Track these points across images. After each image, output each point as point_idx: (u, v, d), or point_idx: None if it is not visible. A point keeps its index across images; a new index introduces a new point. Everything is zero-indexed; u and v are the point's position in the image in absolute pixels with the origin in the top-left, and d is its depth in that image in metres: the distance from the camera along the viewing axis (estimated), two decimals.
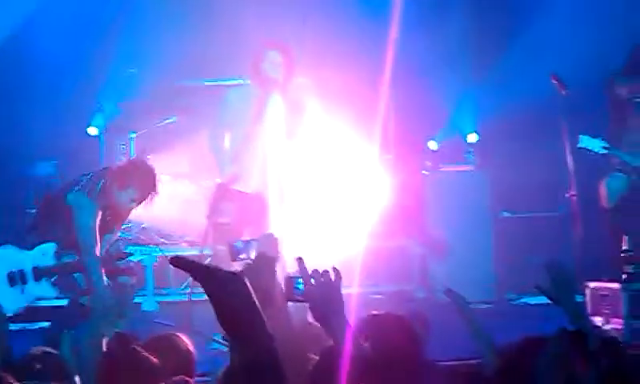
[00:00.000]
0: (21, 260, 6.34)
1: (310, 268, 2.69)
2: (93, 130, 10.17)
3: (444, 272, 8.41)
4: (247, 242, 3.71)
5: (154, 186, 6.09)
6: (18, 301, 6.24)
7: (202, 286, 2.01)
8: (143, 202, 6.32)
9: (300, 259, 2.72)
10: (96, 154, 10.27)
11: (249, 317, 2.00)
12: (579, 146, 7.27)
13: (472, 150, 9.38)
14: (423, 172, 9.18)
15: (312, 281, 2.67)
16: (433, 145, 9.56)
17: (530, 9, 9.29)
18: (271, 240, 3.61)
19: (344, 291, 2.70)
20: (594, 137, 7.29)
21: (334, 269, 2.70)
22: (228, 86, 7.25)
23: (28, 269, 6.29)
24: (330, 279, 2.67)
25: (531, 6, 9.32)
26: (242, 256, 3.70)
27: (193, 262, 2.03)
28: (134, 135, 10.16)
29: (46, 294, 6.40)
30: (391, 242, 8.76)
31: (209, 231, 6.51)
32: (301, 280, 2.70)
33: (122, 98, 10.23)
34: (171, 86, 10.16)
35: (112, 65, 10.08)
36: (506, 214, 9.19)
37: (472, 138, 9.48)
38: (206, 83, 9.69)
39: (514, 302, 8.56)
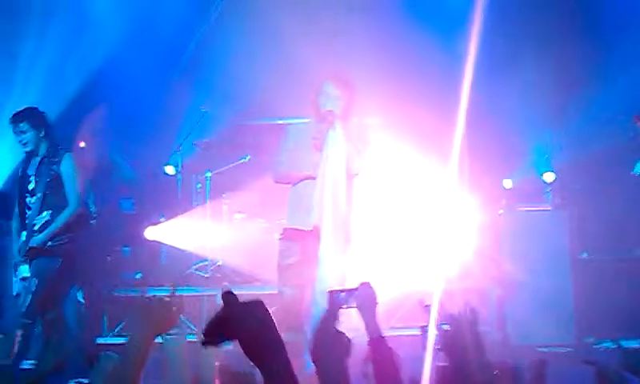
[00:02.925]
0: None
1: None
2: (170, 169, 10.32)
3: (522, 314, 8.24)
4: (349, 291, 3.67)
5: None
6: None
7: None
8: None
9: (427, 307, 2.64)
10: (173, 192, 10.41)
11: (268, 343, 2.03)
12: (634, 172, 7.03)
13: (549, 189, 9.23)
14: (499, 212, 9.04)
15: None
16: (508, 183, 9.43)
17: (610, 47, 9.14)
18: (370, 289, 3.60)
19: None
20: None
21: (471, 309, 2.60)
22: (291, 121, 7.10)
23: None
24: (468, 328, 2.58)
25: (612, 44, 9.16)
26: (343, 306, 3.67)
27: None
28: (209, 174, 10.27)
29: None
30: (468, 283, 8.62)
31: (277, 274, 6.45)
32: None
33: (198, 136, 10.36)
34: (245, 124, 10.25)
35: (188, 104, 10.24)
36: (585, 255, 8.98)
37: (549, 177, 9.33)
38: (279, 122, 9.77)
39: (595, 347, 8.33)
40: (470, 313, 2.59)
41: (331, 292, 3.77)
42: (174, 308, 2.87)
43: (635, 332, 7.24)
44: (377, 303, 3.56)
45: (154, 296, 2.95)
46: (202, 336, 2.12)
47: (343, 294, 3.69)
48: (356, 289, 3.64)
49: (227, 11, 10.13)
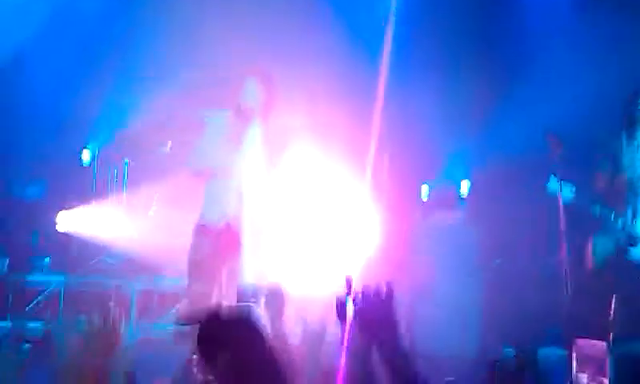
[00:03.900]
0: None
1: (331, 293, 2.64)
2: (86, 156, 10.16)
3: (430, 322, 8.34)
4: (257, 288, 3.71)
5: None
6: None
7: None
8: None
9: (349, 278, 2.66)
10: (88, 178, 10.26)
11: None
12: (548, 185, 7.15)
13: (464, 197, 9.36)
14: (414, 217, 9.14)
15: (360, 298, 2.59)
16: (424, 191, 9.54)
17: (526, 63, 9.33)
18: (278, 289, 3.63)
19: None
20: (566, 181, 7.13)
21: (387, 283, 2.62)
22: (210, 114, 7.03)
23: None
24: (382, 296, 2.59)
25: (528, 60, 9.35)
26: (251, 299, 3.71)
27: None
28: (127, 163, 10.15)
29: None
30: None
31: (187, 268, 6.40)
32: (350, 299, 2.64)
33: (117, 125, 10.23)
34: (166, 115, 10.15)
35: (109, 90, 10.10)
36: (496, 262, 9.13)
37: (464, 185, 9.47)
38: (201, 114, 9.67)
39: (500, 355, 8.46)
40: (387, 288, 2.62)
41: (240, 286, 3.80)
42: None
43: (542, 340, 7.42)
44: (284, 303, 3.60)
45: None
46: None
47: (251, 288, 3.73)
48: (265, 286, 3.68)
49: (151, 3, 10.03)
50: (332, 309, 2.71)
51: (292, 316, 3.68)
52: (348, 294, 2.65)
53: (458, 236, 8.78)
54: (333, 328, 7.79)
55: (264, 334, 2.05)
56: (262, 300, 3.69)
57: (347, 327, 2.93)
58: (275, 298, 3.62)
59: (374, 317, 2.58)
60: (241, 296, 3.76)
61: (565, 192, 7.08)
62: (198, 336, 2.05)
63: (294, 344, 3.55)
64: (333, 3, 9.71)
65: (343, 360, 3.62)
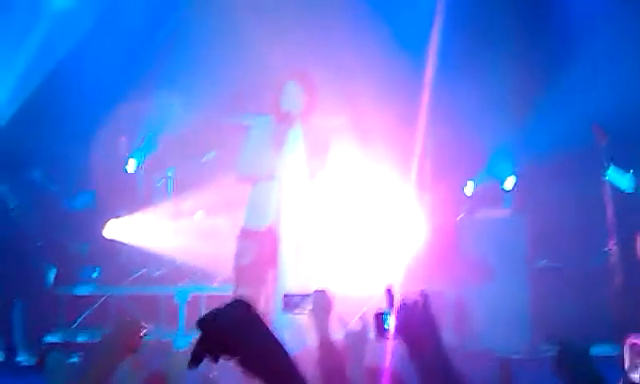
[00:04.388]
0: None
1: (372, 305, 2.57)
2: (132, 165, 10.23)
3: (479, 320, 8.26)
4: (304, 296, 3.69)
5: None
6: None
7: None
8: None
9: (389, 291, 2.54)
10: (134, 187, 10.33)
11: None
12: (606, 177, 7.04)
13: (509, 195, 9.25)
14: (459, 216, 9.05)
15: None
16: (469, 189, 9.45)
17: (571, 54, 9.20)
18: (325, 295, 3.62)
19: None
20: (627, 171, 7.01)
21: (423, 293, 2.52)
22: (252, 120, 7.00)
23: None
24: (421, 311, 2.47)
25: (573, 51, 9.22)
26: (296, 310, 3.69)
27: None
28: (171, 172, 10.21)
29: None
30: (425, 286, 8.62)
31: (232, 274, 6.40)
32: (387, 315, 2.52)
33: (162, 133, 10.29)
34: (210, 122, 10.19)
35: (152, 99, 10.17)
36: (544, 263, 9.01)
37: (509, 182, 9.37)
38: (245, 121, 9.69)
39: (548, 354, 8.33)
40: (422, 298, 2.54)
41: (286, 296, 3.78)
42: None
43: (590, 340, 7.26)
44: (330, 310, 3.58)
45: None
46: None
47: (299, 298, 3.70)
48: (311, 294, 3.66)
49: (196, 7, 10.08)
50: (372, 308, 2.64)
51: (335, 320, 3.64)
52: (390, 307, 2.52)
53: (503, 232, 8.67)
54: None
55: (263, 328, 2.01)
56: (309, 307, 3.65)
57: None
58: (321, 305, 3.59)
59: (413, 330, 2.47)
60: (286, 304, 3.74)
61: (623, 182, 6.97)
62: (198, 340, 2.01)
63: (339, 348, 3.51)
64: (375, 3, 9.68)
65: (387, 362, 3.59)
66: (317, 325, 3.54)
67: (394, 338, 2.52)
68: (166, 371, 3.77)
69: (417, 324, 2.47)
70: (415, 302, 2.51)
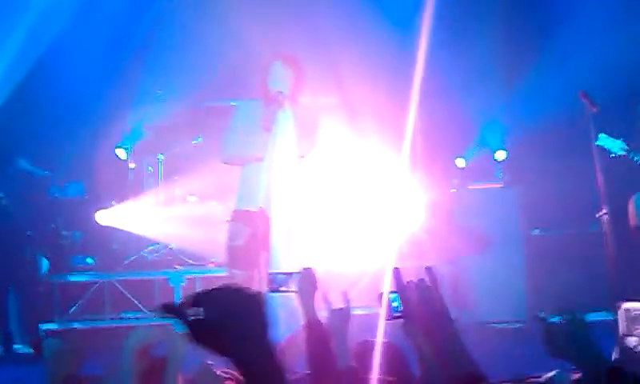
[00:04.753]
0: None
1: (356, 284, 2.58)
2: (121, 152, 10.21)
3: (474, 291, 8.30)
4: (288, 275, 3.71)
5: None
6: None
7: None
8: None
9: (397, 270, 2.52)
10: (124, 175, 10.31)
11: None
12: (597, 143, 7.06)
13: (501, 167, 9.28)
14: (451, 190, 9.07)
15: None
16: (461, 162, 9.47)
17: (557, 24, 9.20)
18: (310, 274, 3.66)
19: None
20: (616, 137, 7.08)
21: (429, 270, 2.52)
22: (240, 101, 6.96)
23: None
24: (428, 289, 2.47)
25: (559, 21, 9.22)
26: (282, 288, 3.70)
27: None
28: (161, 157, 10.19)
29: None
30: (420, 261, 8.65)
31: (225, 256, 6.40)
32: (397, 295, 2.50)
33: (149, 119, 10.26)
34: (198, 107, 10.16)
35: (140, 86, 10.13)
36: (536, 232, 9.05)
37: (500, 155, 9.39)
38: (233, 104, 9.67)
39: (552, 321, 8.36)
40: (430, 276, 2.53)
41: (271, 274, 3.80)
42: None
43: (586, 306, 7.29)
44: (315, 288, 3.59)
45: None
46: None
47: (283, 276, 3.72)
48: (295, 272, 3.67)
49: None
50: (364, 288, 2.66)
51: (319, 299, 3.65)
52: (397, 287, 2.51)
53: (496, 204, 8.70)
54: (358, 303, 7.86)
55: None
56: (293, 286, 3.67)
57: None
58: (306, 283, 3.60)
59: (423, 309, 2.46)
60: (271, 283, 3.75)
61: (615, 148, 7.00)
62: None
63: (324, 325, 3.53)
64: None
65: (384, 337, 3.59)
66: (302, 302, 3.60)
67: (404, 318, 2.50)
68: (165, 356, 3.77)
69: (427, 303, 2.46)
70: (423, 281, 2.51)
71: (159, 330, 3.24)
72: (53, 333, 8.50)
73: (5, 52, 9.35)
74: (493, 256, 8.45)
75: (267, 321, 1.93)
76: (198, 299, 1.94)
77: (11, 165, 8.45)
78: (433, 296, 2.48)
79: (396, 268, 2.54)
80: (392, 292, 2.54)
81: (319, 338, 3.44)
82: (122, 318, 9.04)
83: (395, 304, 2.53)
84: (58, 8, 9.50)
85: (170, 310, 1.92)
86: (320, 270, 3.74)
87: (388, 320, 2.58)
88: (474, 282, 8.44)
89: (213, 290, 1.97)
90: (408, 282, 2.51)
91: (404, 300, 2.49)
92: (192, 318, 1.93)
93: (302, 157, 6.29)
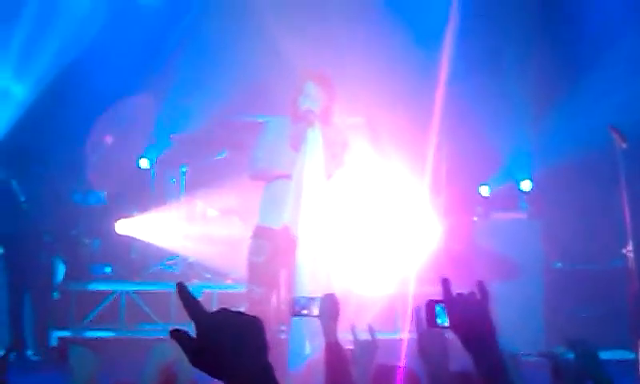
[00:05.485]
0: None
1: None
2: (144, 163, 10.22)
3: (493, 319, 8.23)
4: (310, 299, 3.74)
5: None
6: None
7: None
8: None
9: (446, 281, 2.48)
10: (146, 185, 10.32)
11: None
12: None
13: (525, 198, 9.21)
14: (474, 218, 9.00)
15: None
16: (485, 190, 9.41)
17: (590, 57, 9.15)
18: (332, 299, 3.70)
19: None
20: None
21: (480, 284, 2.48)
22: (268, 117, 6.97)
23: None
24: (479, 303, 2.43)
25: (592, 54, 9.17)
26: (304, 312, 3.73)
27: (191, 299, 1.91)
28: (184, 169, 10.19)
29: None
30: (438, 286, 8.57)
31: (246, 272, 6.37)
32: (442, 305, 2.48)
33: (174, 130, 10.27)
34: (223, 120, 10.17)
35: (166, 97, 10.15)
36: (558, 265, 8.96)
37: (526, 185, 9.32)
38: (259, 119, 9.67)
39: (564, 357, 8.28)
40: (480, 290, 2.49)
41: (294, 298, 3.84)
42: None
43: (605, 343, 7.21)
44: (337, 313, 3.67)
45: None
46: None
47: (305, 300, 3.75)
48: (317, 298, 3.69)
49: (211, 5, 10.07)
50: (382, 312, 2.65)
51: (344, 323, 3.68)
52: (445, 298, 2.47)
53: (519, 234, 8.63)
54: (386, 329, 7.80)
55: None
56: (315, 310, 3.69)
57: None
58: (327, 309, 3.62)
59: (469, 321, 2.42)
60: (293, 307, 3.77)
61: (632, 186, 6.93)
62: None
63: (346, 351, 3.55)
64: (392, 3, 9.65)
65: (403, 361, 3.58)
66: (323, 327, 3.64)
67: (449, 329, 2.48)
68: (177, 368, 3.76)
69: (473, 316, 2.42)
70: (472, 294, 2.47)
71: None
72: (68, 341, 8.48)
73: (37, 57, 9.41)
74: (512, 286, 8.37)
75: (266, 345, 1.89)
76: (196, 321, 1.92)
77: (35, 169, 8.46)
78: (482, 311, 2.44)
79: (445, 278, 2.50)
80: (438, 302, 2.51)
81: (338, 361, 3.47)
82: (136, 330, 9.02)
83: (440, 316, 2.51)
84: (87, 18, 9.56)
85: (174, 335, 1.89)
86: (340, 292, 3.76)
87: (430, 327, 2.57)
88: (493, 310, 8.35)
89: (212, 312, 1.93)
90: (458, 294, 2.48)
91: (450, 312, 2.46)
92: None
93: (330, 176, 6.28)
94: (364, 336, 3.70)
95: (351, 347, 3.65)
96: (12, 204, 8.12)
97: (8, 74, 9.38)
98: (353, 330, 3.71)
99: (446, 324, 2.48)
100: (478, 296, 2.46)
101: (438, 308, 2.52)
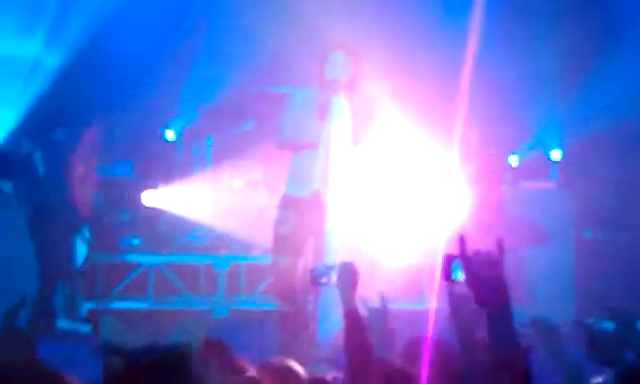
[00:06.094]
0: None
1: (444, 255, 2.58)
2: (170, 134, 10.21)
3: (522, 289, 8.16)
4: (328, 267, 3.81)
5: None
6: None
7: None
8: None
9: (462, 237, 2.53)
10: (172, 156, 10.31)
11: None
12: None
13: (556, 167, 9.13)
14: (502, 186, 8.94)
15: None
16: (514, 159, 9.33)
17: (619, 22, 9.01)
18: (350, 267, 3.73)
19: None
20: None
21: (499, 243, 2.50)
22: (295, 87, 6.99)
23: None
24: (495, 263, 2.47)
25: (626, 22, 9.03)
26: (323, 280, 3.78)
27: None
28: (210, 140, 10.16)
29: None
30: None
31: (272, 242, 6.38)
32: (459, 262, 2.54)
33: (201, 101, 10.24)
34: (249, 91, 10.13)
35: (192, 68, 10.12)
36: (589, 234, 8.88)
37: (556, 154, 9.24)
38: (284, 90, 9.61)
39: (600, 326, 8.21)
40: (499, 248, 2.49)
41: (313, 268, 3.88)
42: None
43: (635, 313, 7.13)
44: (356, 281, 3.69)
45: None
46: None
47: (323, 269, 3.80)
48: (335, 266, 3.78)
49: None
50: (409, 281, 2.66)
51: (370, 292, 3.74)
52: (462, 253, 2.51)
53: (549, 203, 8.56)
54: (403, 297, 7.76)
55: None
56: (334, 278, 3.71)
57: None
58: (345, 277, 3.67)
59: (484, 279, 2.46)
60: (312, 277, 3.81)
61: None
62: None
63: (363, 319, 3.59)
64: None
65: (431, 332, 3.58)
66: (342, 296, 3.66)
67: (463, 283, 2.53)
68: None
69: (488, 273, 2.45)
70: (490, 253, 2.50)
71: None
72: (98, 311, 8.53)
73: (65, 27, 9.41)
74: (542, 252, 8.32)
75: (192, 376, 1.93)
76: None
77: (57, 136, 8.46)
78: (497, 270, 2.46)
79: (462, 235, 2.54)
80: (455, 257, 2.57)
81: (356, 328, 3.52)
82: (165, 301, 9.06)
83: (456, 271, 2.59)
84: None
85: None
86: (366, 261, 3.79)
87: (446, 282, 2.65)
88: (523, 278, 8.30)
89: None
90: (475, 251, 2.51)
91: (465, 267, 2.50)
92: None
93: (356, 144, 6.28)
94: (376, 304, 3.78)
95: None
96: (35, 178, 8.16)
97: (39, 43, 9.37)
98: (362, 300, 3.75)
99: (461, 279, 2.53)
100: (496, 255, 2.48)
101: (454, 263, 2.59)
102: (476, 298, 2.47)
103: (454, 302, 3.34)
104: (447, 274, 2.62)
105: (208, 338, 3.52)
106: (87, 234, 8.78)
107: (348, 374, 3.48)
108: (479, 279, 2.46)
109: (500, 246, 2.49)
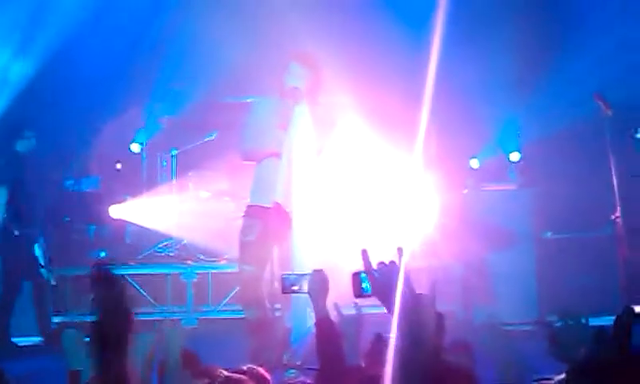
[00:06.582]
0: None
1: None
2: (135, 147, 10.23)
3: (485, 293, 8.29)
4: (299, 275, 3.80)
5: None
6: None
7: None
8: None
9: (364, 252, 2.67)
10: (138, 169, 10.34)
11: None
12: (637, 136, 7.07)
13: (515, 169, 9.26)
14: (464, 191, 9.05)
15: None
16: (475, 163, 9.46)
17: (575, 27, 9.17)
18: (321, 275, 3.73)
19: (383, 312, 2.65)
20: None
21: (399, 250, 2.61)
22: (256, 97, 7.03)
23: None
24: (397, 271, 2.58)
25: (577, 23, 9.20)
26: (294, 288, 3.79)
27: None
28: (175, 152, 10.20)
29: None
30: (433, 261, 8.63)
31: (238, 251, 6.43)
32: (366, 275, 2.67)
33: (164, 114, 10.28)
34: (212, 102, 10.18)
35: (155, 81, 10.15)
36: (549, 235, 9.02)
37: (515, 156, 9.38)
38: (248, 100, 9.67)
39: (556, 325, 8.34)
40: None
41: (283, 276, 3.89)
42: None
43: (597, 310, 7.27)
44: (326, 289, 3.70)
45: None
46: None
47: (295, 277, 3.80)
48: (306, 274, 3.75)
49: None
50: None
51: (330, 304, 3.74)
52: (366, 268, 2.67)
53: (509, 205, 8.68)
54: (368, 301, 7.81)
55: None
56: (305, 287, 3.74)
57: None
58: (317, 285, 3.67)
59: (388, 287, 2.58)
60: (283, 284, 3.83)
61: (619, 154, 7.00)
62: None
63: (336, 326, 3.61)
64: None
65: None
66: (313, 304, 3.67)
67: (373, 296, 2.67)
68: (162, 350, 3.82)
69: (392, 282, 2.56)
70: (392, 262, 2.62)
71: (158, 334, 3.31)
72: (66, 325, 8.52)
73: (31, 41, 9.40)
74: (504, 257, 8.44)
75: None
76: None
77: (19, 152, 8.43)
78: (396, 277, 2.57)
79: (364, 249, 2.70)
80: (362, 272, 2.72)
81: (328, 336, 3.53)
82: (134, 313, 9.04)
83: (364, 284, 2.72)
84: (77, 4, 9.53)
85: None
86: (331, 268, 3.80)
87: (357, 298, 2.78)
88: (486, 282, 8.43)
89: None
90: (378, 263, 2.66)
91: (370, 280, 2.65)
92: None
93: (319, 153, 6.33)
94: (350, 311, 3.76)
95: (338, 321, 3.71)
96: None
97: (5, 55, 9.35)
98: (336, 307, 3.76)
99: (370, 292, 2.68)
100: (397, 263, 2.60)
101: (362, 277, 2.72)
102: (385, 306, 2.59)
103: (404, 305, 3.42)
104: (358, 290, 2.75)
105: (184, 350, 3.53)
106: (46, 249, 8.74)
107: (320, 382, 3.49)
108: (383, 289, 2.59)
109: (400, 253, 2.60)
